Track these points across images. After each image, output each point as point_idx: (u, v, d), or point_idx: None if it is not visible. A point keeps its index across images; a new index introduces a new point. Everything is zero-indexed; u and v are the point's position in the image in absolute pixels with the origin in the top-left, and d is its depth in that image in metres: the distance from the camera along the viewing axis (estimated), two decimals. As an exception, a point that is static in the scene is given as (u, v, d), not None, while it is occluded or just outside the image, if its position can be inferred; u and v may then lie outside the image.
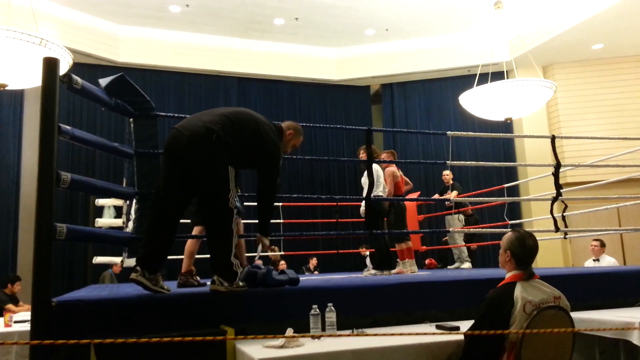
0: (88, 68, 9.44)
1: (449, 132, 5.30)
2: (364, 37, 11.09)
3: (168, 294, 3.15)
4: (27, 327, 4.45)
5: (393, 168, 6.30)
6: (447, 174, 8.44)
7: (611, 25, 9.35)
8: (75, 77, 3.22)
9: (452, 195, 8.01)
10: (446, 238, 8.85)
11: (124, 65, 9.85)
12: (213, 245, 3.16)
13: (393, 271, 6.06)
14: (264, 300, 3.22)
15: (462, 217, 8.06)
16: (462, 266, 7.89)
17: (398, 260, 6.25)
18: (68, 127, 3.12)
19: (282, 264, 8.54)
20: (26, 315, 5.12)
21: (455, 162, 5.72)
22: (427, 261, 8.90)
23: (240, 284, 3.20)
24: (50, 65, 2.93)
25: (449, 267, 8.20)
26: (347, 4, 9.66)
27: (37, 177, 2.80)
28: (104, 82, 3.53)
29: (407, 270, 6.15)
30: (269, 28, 10.51)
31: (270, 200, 3.38)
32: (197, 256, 4.67)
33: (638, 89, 10.67)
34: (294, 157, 5.06)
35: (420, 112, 11.85)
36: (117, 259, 5.81)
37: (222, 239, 3.13)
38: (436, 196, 8.31)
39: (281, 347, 2.66)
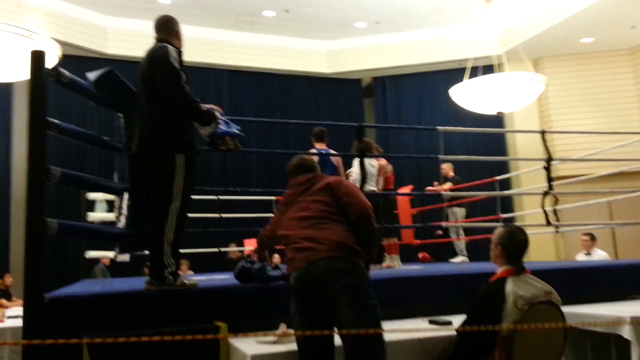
0: (77, 60, 9.32)
1: (439, 127, 5.29)
2: (355, 30, 11.05)
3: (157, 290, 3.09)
4: (20, 322, 4.42)
5: (383, 162, 6.31)
6: (445, 167, 8.40)
7: (600, 19, 9.37)
8: (63, 71, 3.18)
9: (445, 187, 7.98)
10: (439, 232, 8.83)
11: (113, 57, 9.75)
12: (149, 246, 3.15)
13: (383, 265, 6.11)
14: (258, 296, 3.22)
15: (458, 210, 7.96)
16: (454, 260, 7.90)
17: (385, 254, 6.28)
18: (57, 121, 3.09)
19: (277, 258, 8.53)
20: (19, 310, 5.08)
21: (447, 156, 5.73)
22: (420, 255, 8.91)
23: (178, 283, 3.08)
24: (38, 59, 2.89)
25: (450, 260, 8.11)
26: (338, -4, 9.62)
27: (27, 172, 2.77)
28: (92, 75, 3.47)
29: (395, 265, 6.19)
30: (259, 20, 10.45)
31: (184, 105, 3.12)
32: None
33: (628, 82, 10.73)
34: (285, 151, 5.04)
35: (412, 105, 11.84)
36: (110, 254, 5.76)
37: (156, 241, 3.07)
38: (435, 186, 8.19)
39: (274, 342, 2.66)
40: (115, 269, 8.69)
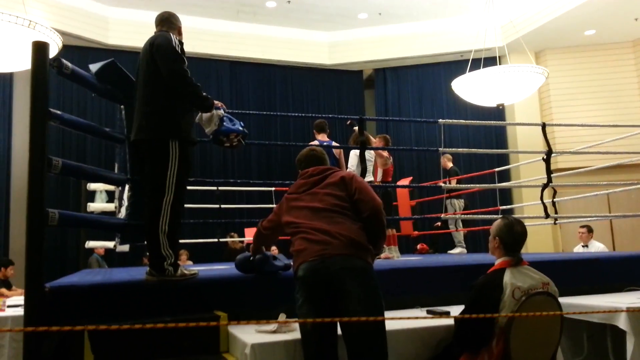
0: (78, 50, 9.32)
1: (440, 120, 5.29)
2: (357, 21, 11.01)
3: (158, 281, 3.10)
4: (20, 311, 4.45)
5: (385, 153, 6.32)
6: (445, 158, 8.41)
7: (603, 11, 9.34)
8: (65, 62, 3.18)
9: (448, 181, 8.01)
10: (438, 223, 8.86)
11: (114, 48, 9.73)
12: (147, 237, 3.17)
13: (381, 256, 6.14)
14: (258, 286, 3.24)
15: (456, 201, 7.99)
16: (452, 251, 7.93)
17: (385, 245, 6.31)
18: (58, 112, 3.10)
19: (274, 250, 8.55)
20: (19, 299, 5.11)
21: (448, 149, 5.74)
22: (419, 246, 8.94)
23: (178, 274, 3.11)
24: (40, 49, 2.90)
25: (449, 251, 8.15)
26: (340, -13, 9.58)
27: (28, 163, 2.79)
28: (94, 67, 3.48)
29: (393, 256, 6.22)
30: (260, 11, 10.41)
31: (185, 89, 3.11)
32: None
33: (629, 75, 10.70)
34: (285, 143, 5.04)
35: (413, 97, 11.82)
36: (110, 244, 5.78)
37: (152, 233, 3.09)
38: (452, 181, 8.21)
39: (274, 332, 2.68)
40: (111, 259, 8.71)
